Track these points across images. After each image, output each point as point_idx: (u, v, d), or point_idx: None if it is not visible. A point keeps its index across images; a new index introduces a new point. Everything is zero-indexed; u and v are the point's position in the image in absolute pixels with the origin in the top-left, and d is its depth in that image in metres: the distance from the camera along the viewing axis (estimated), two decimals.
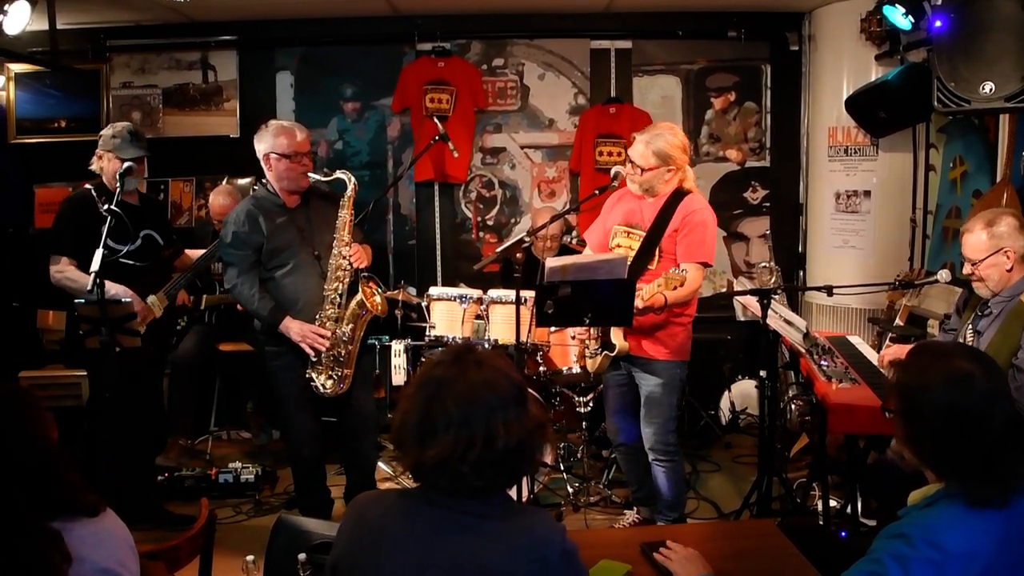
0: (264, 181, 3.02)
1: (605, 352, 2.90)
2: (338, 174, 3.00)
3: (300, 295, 2.97)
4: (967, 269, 2.53)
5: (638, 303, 2.71)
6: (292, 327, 2.91)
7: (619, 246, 2.97)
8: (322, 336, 2.92)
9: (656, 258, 2.86)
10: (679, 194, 2.88)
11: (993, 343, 2.42)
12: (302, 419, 3.05)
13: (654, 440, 2.96)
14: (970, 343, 2.55)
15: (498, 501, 1.30)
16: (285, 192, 2.98)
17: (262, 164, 2.98)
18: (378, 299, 3.03)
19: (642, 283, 2.78)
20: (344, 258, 2.96)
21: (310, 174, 2.96)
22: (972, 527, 1.32)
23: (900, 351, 2.82)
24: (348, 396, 3.05)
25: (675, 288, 2.63)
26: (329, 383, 2.98)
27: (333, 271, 2.96)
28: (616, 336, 2.87)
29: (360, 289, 2.99)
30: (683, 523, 3.12)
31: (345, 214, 2.98)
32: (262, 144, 2.95)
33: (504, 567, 1.23)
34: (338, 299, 2.97)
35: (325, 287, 2.97)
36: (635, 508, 3.28)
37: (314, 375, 2.98)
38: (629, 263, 2.82)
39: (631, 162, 2.89)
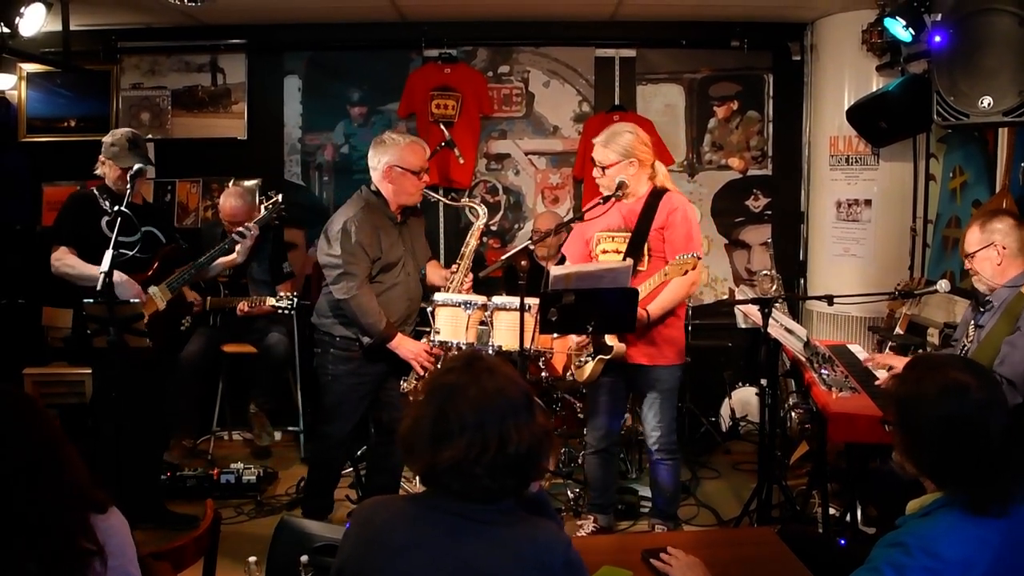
0: (374, 189, 3.00)
1: (600, 357, 2.88)
2: (475, 204, 3.19)
3: (395, 311, 3.00)
4: (966, 264, 2.63)
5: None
6: (405, 344, 2.95)
7: (605, 251, 2.98)
8: (434, 357, 2.99)
9: (646, 258, 2.89)
10: (658, 193, 2.93)
11: (992, 332, 2.48)
12: (347, 427, 3.09)
13: (662, 441, 3.00)
14: (971, 337, 2.61)
15: (504, 508, 1.32)
16: (397, 205, 2.99)
17: (380, 174, 2.95)
18: None
19: (634, 283, 2.79)
20: (463, 284, 3.08)
21: (436, 195, 3.09)
22: (969, 536, 1.34)
23: (889, 358, 2.87)
24: (391, 396, 3.09)
25: (685, 272, 2.65)
26: None
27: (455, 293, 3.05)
28: (611, 338, 2.87)
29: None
30: (675, 521, 3.16)
31: (474, 242, 3.11)
32: (387, 156, 2.93)
33: (507, 574, 1.26)
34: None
35: None
36: (592, 518, 3.24)
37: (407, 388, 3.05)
38: None
39: (596, 166, 2.94)
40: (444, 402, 1.30)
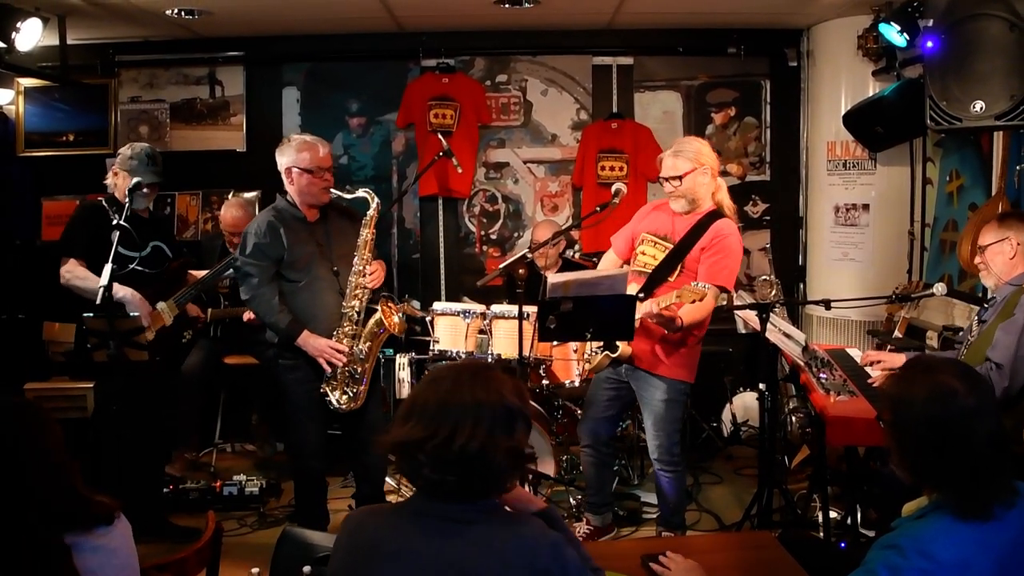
0: (285, 194, 3.03)
1: (606, 353, 2.92)
2: (361, 192, 3.02)
3: (317, 310, 2.97)
4: (976, 258, 2.69)
5: (653, 307, 2.74)
6: (309, 341, 2.92)
7: (644, 253, 3.00)
8: (339, 352, 2.94)
9: (677, 272, 2.89)
10: (715, 214, 2.90)
11: (991, 326, 2.53)
12: (311, 432, 3.06)
13: (661, 451, 3.00)
14: (975, 333, 2.66)
15: (484, 507, 1.33)
16: (305, 206, 3.00)
17: (283, 177, 2.99)
18: (396, 319, 3.04)
19: (659, 293, 2.83)
20: (364, 276, 2.99)
21: (332, 190, 2.99)
22: (962, 537, 1.35)
23: (877, 355, 2.91)
24: (361, 409, 3.06)
25: (693, 302, 2.65)
26: (344, 399, 2.99)
27: (352, 288, 2.98)
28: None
29: (379, 308, 3.01)
30: (682, 530, 3.15)
31: (367, 232, 3.00)
32: (284, 158, 2.97)
33: (494, 574, 1.26)
34: (356, 316, 2.98)
35: (344, 304, 2.98)
36: (584, 519, 3.26)
37: (328, 391, 2.98)
38: (651, 271, 2.89)
39: (667, 179, 2.89)
40: (423, 387, 1.37)
